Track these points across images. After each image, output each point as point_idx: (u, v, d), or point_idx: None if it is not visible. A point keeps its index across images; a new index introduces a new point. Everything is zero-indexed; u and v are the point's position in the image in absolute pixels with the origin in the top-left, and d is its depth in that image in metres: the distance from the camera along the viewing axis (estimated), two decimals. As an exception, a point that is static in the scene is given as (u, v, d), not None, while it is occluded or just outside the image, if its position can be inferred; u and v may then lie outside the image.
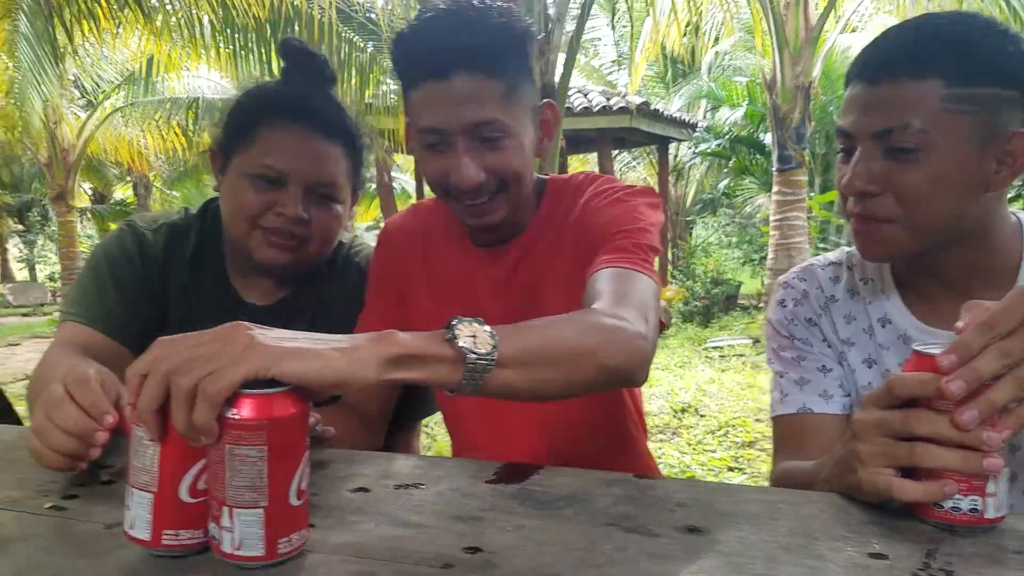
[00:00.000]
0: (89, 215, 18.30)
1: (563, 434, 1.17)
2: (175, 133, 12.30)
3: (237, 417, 0.61)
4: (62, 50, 7.93)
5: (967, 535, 0.65)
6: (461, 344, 0.69)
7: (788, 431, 1.07)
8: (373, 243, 1.34)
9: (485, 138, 1.01)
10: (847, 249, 1.12)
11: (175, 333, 1.24)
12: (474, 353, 0.69)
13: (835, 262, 1.12)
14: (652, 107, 10.29)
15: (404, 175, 16.87)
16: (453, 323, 0.71)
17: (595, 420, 1.19)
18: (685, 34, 9.58)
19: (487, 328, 0.72)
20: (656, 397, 5.54)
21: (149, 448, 0.64)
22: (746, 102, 10.76)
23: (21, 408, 1.64)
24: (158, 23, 5.82)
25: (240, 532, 0.62)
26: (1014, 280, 0.95)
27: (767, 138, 9.35)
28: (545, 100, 1.12)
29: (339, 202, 1.23)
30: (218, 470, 0.62)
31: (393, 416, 1.26)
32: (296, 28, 6.02)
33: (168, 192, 19.01)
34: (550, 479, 0.84)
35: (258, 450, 0.61)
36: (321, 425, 0.91)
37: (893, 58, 0.90)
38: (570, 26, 4.55)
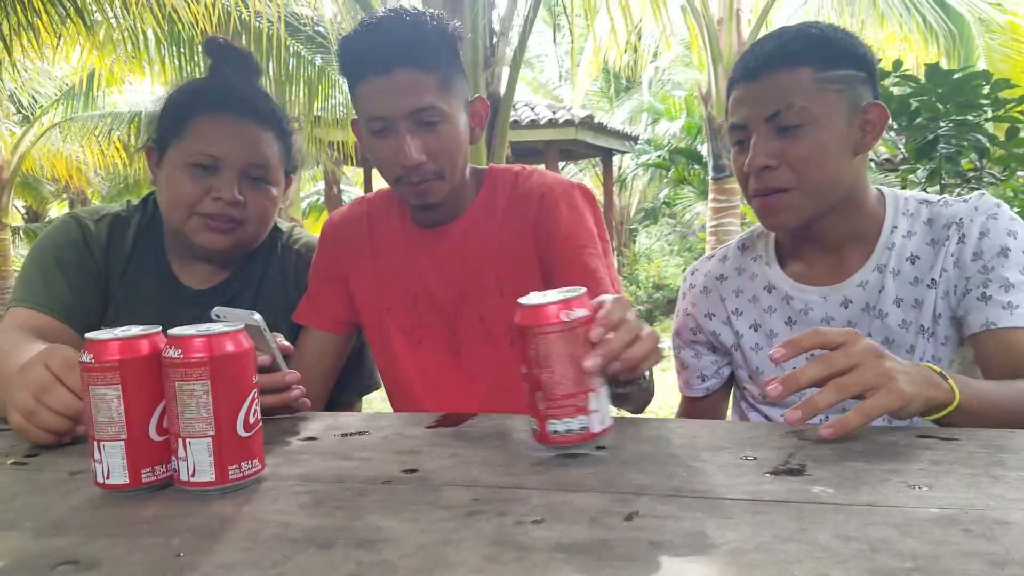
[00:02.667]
0: (22, 234, 17.71)
1: (501, 405, 1.28)
2: (116, 148, 11.99)
3: (180, 357, 0.70)
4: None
5: (587, 450, 0.77)
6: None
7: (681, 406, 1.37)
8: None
9: (424, 122, 1.14)
10: (742, 234, 1.32)
11: (117, 316, 1.31)
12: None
13: (728, 246, 1.33)
14: (596, 120, 10.54)
15: (353, 187, 16.81)
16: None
17: None
18: (625, 51, 9.86)
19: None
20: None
21: (113, 401, 0.72)
22: (684, 115, 11.11)
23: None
24: (100, 36, 5.77)
25: (192, 460, 0.71)
26: (876, 240, 1.13)
27: (704, 149, 9.67)
28: (476, 95, 1.25)
29: (273, 184, 1.30)
30: (172, 407, 0.72)
31: (334, 391, 1.36)
32: (244, 40, 6.04)
33: (107, 209, 18.53)
34: (483, 422, 0.95)
35: (202, 385, 0.70)
36: (300, 400, 1.02)
37: (769, 57, 1.08)
38: (515, 40, 4.70)
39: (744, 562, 0.52)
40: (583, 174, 15.50)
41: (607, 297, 0.81)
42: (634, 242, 13.01)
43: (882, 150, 10.09)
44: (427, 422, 0.97)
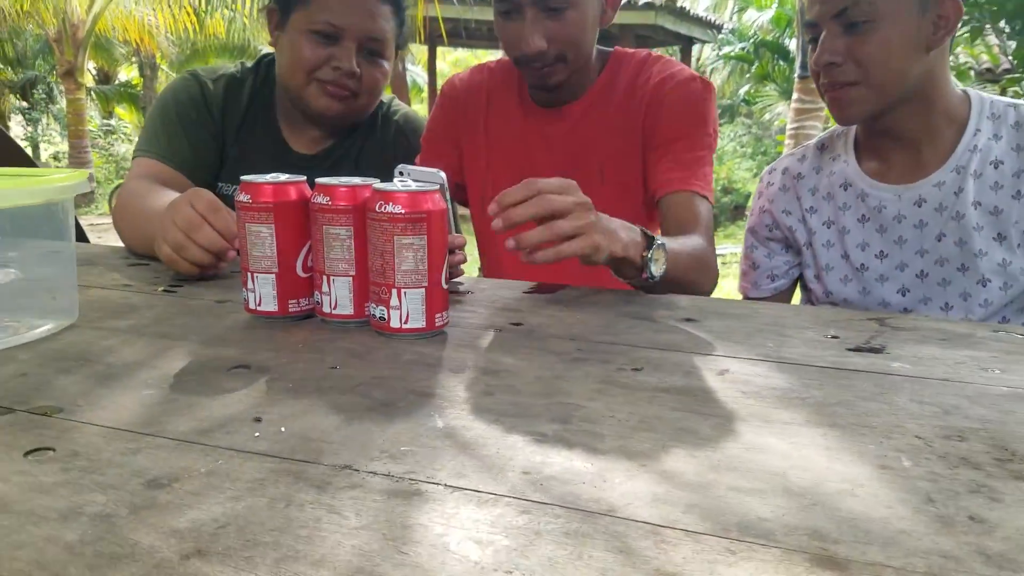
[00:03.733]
0: (93, 96, 18.04)
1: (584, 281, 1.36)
2: (186, 12, 12.01)
3: (328, 203, 0.78)
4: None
5: (390, 338, 0.78)
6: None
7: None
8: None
9: (551, 8, 1.16)
10: (822, 134, 1.33)
11: (231, 173, 1.41)
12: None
13: (807, 146, 1.35)
14: (678, 4, 10.05)
15: (416, 67, 16.57)
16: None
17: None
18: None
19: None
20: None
21: (267, 238, 0.82)
22: (775, 5, 10.48)
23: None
24: None
25: (335, 295, 0.81)
26: (957, 140, 1.15)
27: (793, 44, 9.18)
28: None
29: (386, 58, 1.36)
30: (318, 247, 0.81)
31: None
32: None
33: (175, 75, 18.62)
34: (576, 291, 1.04)
35: (346, 230, 0.79)
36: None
37: None
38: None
39: (827, 412, 0.59)
40: (659, 64, 14.91)
41: (540, 182, 0.87)
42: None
43: (984, 58, 9.44)
44: (523, 287, 1.05)
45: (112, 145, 15.46)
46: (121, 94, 18.58)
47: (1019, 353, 0.76)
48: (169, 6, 11.60)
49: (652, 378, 0.67)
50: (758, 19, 11.08)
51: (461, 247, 1.04)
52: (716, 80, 13.45)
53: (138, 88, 18.41)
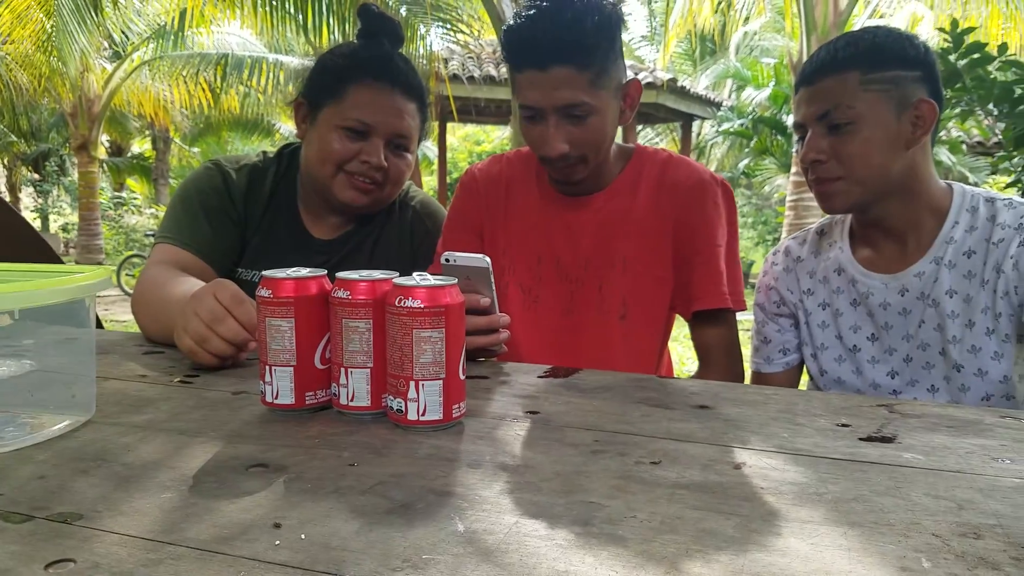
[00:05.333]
0: (105, 168, 18.42)
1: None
2: (202, 88, 12.39)
3: (348, 297, 0.80)
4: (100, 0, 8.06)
5: (407, 430, 0.78)
6: None
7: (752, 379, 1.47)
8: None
9: (573, 116, 1.22)
10: (823, 220, 1.41)
11: (253, 260, 1.45)
12: None
13: (808, 231, 1.43)
14: (679, 84, 10.35)
15: (426, 141, 16.95)
16: None
17: (629, 361, 1.38)
18: (717, 10, 9.59)
19: None
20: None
21: (286, 332, 0.83)
22: (772, 83, 10.79)
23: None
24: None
25: (353, 387, 0.82)
26: (938, 232, 1.21)
27: (790, 119, 9.41)
28: (632, 78, 1.31)
29: (411, 151, 1.42)
30: (336, 340, 0.82)
31: None
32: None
33: (187, 148, 19.07)
34: (591, 376, 1.05)
35: (365, 323, 0.80)
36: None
37: (821, 64, 1.20)
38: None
39: (845, 509, 0.59)
40: (661, 139, 15.27)
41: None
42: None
43: (975, 132, 9.64)
44: (539, 371, 1.06)
45: (122, 217, 15.73)
46: (133, 166, 18.99)
47: (1032, 443, 0.77)
48: (185, 82, 12.00)
49: (671, 472, 0.67)
50: (756, 96, 11.39)
51: (506, 326, 1.09)
52: (716, 154, 13.76)
53: (150, 160, 18.81)
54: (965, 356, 1.17)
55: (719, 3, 8.64)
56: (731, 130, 11.07)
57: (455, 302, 0.79)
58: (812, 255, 1.37)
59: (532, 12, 1.20)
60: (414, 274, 0.82)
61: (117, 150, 19.57)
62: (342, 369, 0.82)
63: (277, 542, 0.52)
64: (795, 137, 1.30)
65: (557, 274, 1.38)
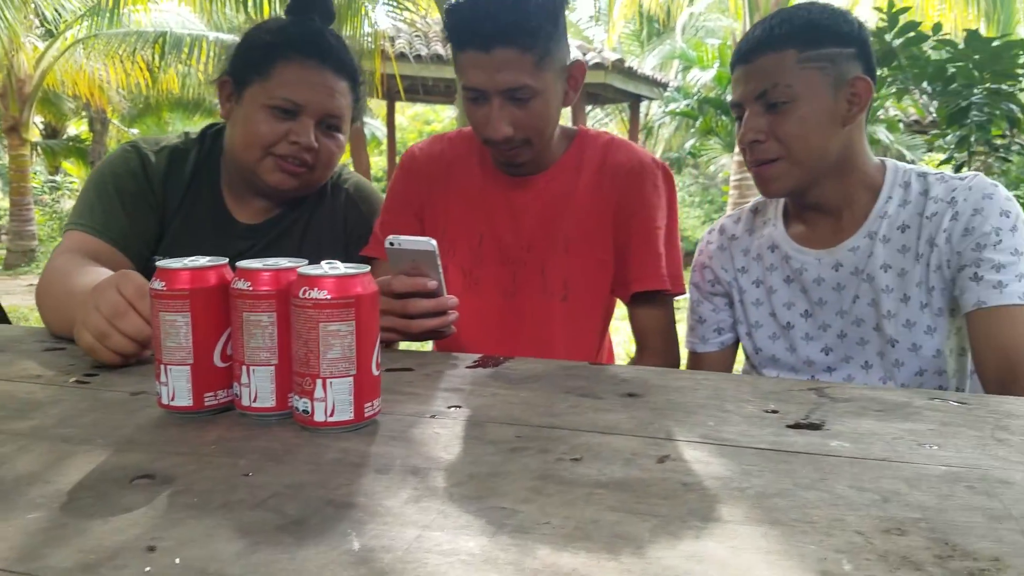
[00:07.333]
0: (39, 150, 17.69)
1: (543, 356, 1.35)
2: (139, 68, 11.93)
3: (249, 289, 0.75)
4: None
5: (313, 433, 0.73)
6: None
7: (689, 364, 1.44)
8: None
9: (516, 98, 1.20)
10: (757, 198, 1.38)
11: (171, 246, 1.37)
12: None
13: (743, 209, 1.41)
14: (626, 65, 10.35)
15: (375, 120, 16.68)
16: None
17: (570, 343, 1.36)
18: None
19: None
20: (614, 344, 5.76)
21: (182, 328, 0.77)
22: (717, 64, 10.87)
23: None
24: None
25: (255, 387, 0.76)
26: (872, 207, 1.21)
27: (731, 57, 9.53)
28: (575, 60, 1.28)
29: (343, 132, 1.36)
30: (237, 335, 0.76)
31: None
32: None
33: (126, 129, 18.43)
34: (521, 364, 1.01)
35: (268, 316, 0.75)
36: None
37: (758, 42, 1.17)
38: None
39: (768, 506, 0.57)
40: (610, 119, 15.29)
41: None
42: (655, 191, 12.90)
43: (911, 111, 9.87)
44: (467, 362, 1.02)
45: (57, 202, 15.12)
46: (69, 149, 18.24)
47: (954, 424, 0.76)
48: (122, 61, 11.52)
49: (591, 469, 0.64)
50: (701, 78, 11.47)
51: (454, 307, 1.07)
52: (664, 134, 13.84)
53: (87, 143, 18.12)
54: (900, 331, 1.17)
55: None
56: (677, 111, 11.15)
57: (367, 292, 0.74)
58: (747, 233, 1.36)
59: None
60: (323, 262, 0.77)
61: (52, 132, 18.76)
62: (244, 367, 0.77)
63: (148, 568, 0.47)
64: (733, 116, 1.28)
65: (499, 255, 1.35)
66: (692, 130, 12.60)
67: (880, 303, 1.18)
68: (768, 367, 1.30)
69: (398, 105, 12.68)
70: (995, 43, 2.61)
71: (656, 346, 1.35)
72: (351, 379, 0.73)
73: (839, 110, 1.15)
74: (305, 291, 0.72)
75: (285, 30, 1.33)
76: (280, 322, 0.75)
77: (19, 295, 9.00)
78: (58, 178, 17.54)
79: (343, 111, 1.33)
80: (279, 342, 0.76)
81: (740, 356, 1.42)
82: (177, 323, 0.77)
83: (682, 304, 1.42)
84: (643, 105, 12.73)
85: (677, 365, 1.38)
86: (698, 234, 11.84)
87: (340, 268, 0.75)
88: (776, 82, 1.15)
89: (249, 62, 1.31)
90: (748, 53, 1.19)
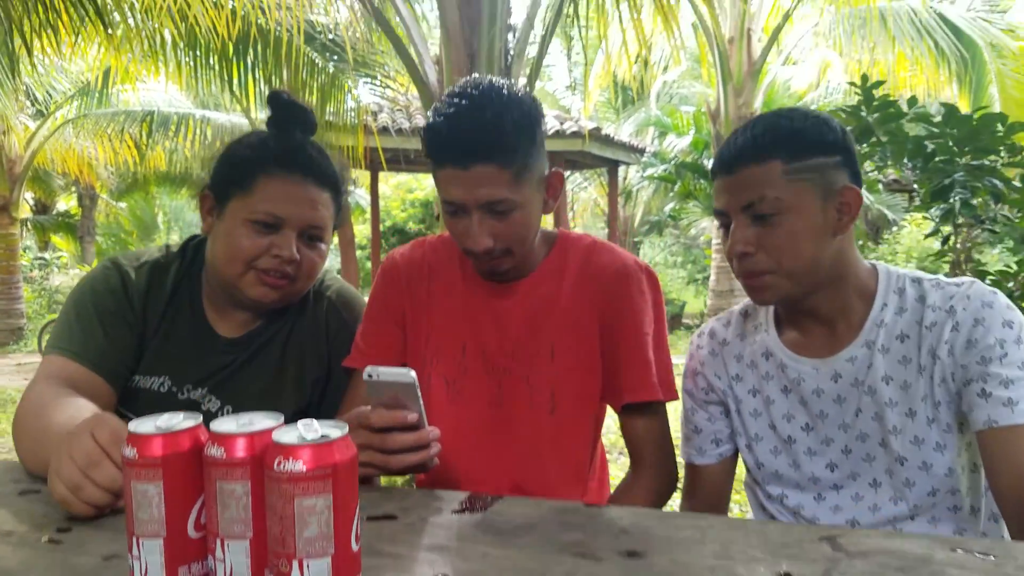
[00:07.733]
0: (30, 226, 17.72)
1: (532, 470, 1.29)
2: (127, 145, 12.04)
3: (223, 456, 0.69)
4: (17, 60, 7.75)
5: None
6: None
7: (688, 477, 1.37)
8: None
9: (496, 211, 1.18)
10: (746, 300, 1.33)
11: (152, 363, 1.33)
12: None
13: (732, 312, 1.36)
14: (603, 132, 10.52)
15: (359, 190, 16.82)
16: None
17: (560, 457, 1.31)
18: (636, 62, 9.86)
19: None
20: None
21: (154, 498, 0.71)
22: (692, 131, 11.11)
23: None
24: (118, 35, 5.76)
25: (230, 562, 0.70)
26: (867, 315, 1.16)
27: (711, 164, 9.70)
28: (553, 169, 1.27)
29: (324, 242, 1.33)
30: (211, 505, 0.70)
31: None
32: (260, 49, 6.05)
33: (115, 204, 18.52)
34: (510, 508, 0.95)
35: (242, 485, 0.69)
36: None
37: (741, 151, 1.14)
38: (531, 58, 4.76)
39: None
40: (589, 184, 15.51)
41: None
42: (638, 254, 13.03)
43: (889, 172, 10.07)
44: (452, 506, 0.96)
45: (46, 278, 15.03)
46: (59, 224, 18.27)
47: (985, 592, 0.70)
48: (110, 139, 11.62)
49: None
50: (678, 144, 11.70)
51: (437, 439, 1.02)
52: (642, 197, 14.03)
53: (76, 218, 18.12)
54: (908, 448, 1.12)
55: (636, 56, 8.88)
56: (655, 175, 11.31)
57: (345, 458, 0.69)
58: (738, 338, 1.31)
59: (451, 111, 1.15)
60: (298, 423, 0.72)
61: (42, 208, 18.82)
62: (218, 540, 0.71)
63: None
64: (717, 224, 1.25)
65: (483, 365, 1.31)
66: (671, 193, 12.80)
67: (885, 417, 1.13)
68: (772, 483, 1.25)
69: (381, 175, 12.82)
70: (974, 119, 2.64)
71: (652, 460, 1.30)
72: (328, 559, 0.67)
73: (829, 221, 1.12)
74: (280, 462, 0.67)
75: (266, 144, 1.32)
76: (255, 490, 0.70)
77: (7, 375, 8.86)
78: (47, 255, 17.47)
79: (325, 222, 1.32)
80: (254, 513, 0.70)
81: (740, 466, 1.36)
82: (149, 493, 0.71)
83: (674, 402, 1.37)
84: (621, 169, 12.92)
85: (675, 479, 1.32)
86: (684, 295, 11.88)
87: (316, 431, 0.69)
88: (763, 195, 1.10)
89: (230, 177, 1.30)
90: (731, 163, 1.15)
